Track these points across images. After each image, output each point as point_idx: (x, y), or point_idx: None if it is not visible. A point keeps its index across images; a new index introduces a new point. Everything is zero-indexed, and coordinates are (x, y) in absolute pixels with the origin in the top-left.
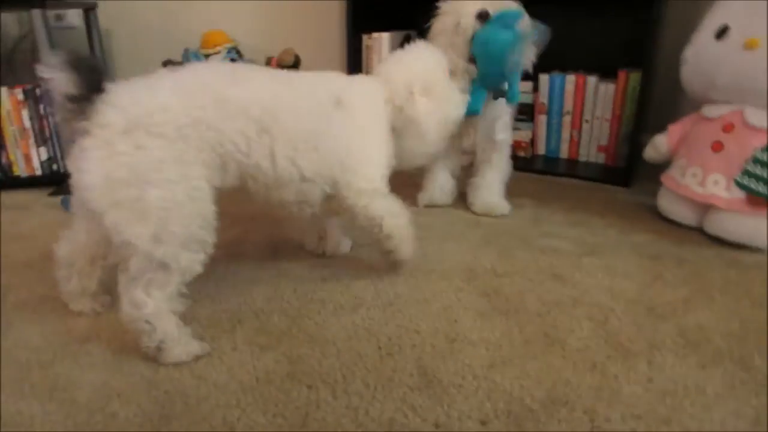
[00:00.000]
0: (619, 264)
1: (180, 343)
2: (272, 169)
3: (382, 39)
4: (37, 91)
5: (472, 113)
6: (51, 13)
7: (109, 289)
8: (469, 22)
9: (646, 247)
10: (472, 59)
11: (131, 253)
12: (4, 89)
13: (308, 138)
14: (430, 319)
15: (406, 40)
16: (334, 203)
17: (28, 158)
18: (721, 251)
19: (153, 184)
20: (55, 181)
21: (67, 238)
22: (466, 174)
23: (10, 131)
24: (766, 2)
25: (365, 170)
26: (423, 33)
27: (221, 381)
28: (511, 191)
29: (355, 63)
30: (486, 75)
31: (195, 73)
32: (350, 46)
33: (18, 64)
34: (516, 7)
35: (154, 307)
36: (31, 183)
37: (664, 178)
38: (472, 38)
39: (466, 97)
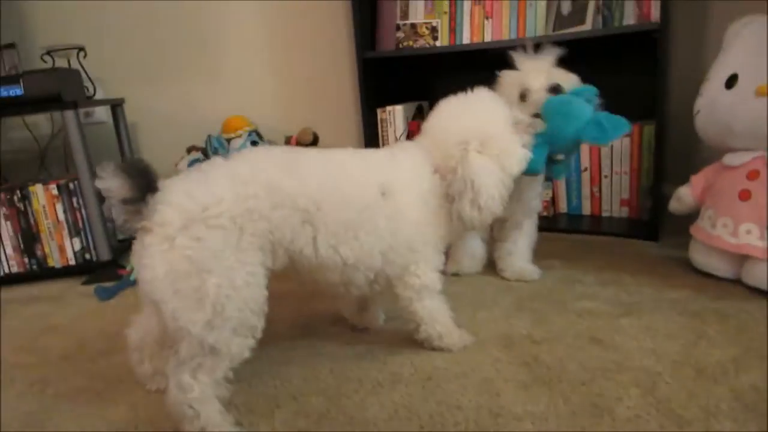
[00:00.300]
0: (660, 323)
1: (223, 430)
2: (315, 256)
3: (396, 112)
4: (71, 185)
5: (532, 172)
6: (81, 110)
7: None
8: (541, 96)
9: (685, 303)
10: (537, 114)
11: (184, 338)
12: (39, 186)
13: (350, 227)
14: (471, 394)
15: (419, 110)
16: (382, 286)
17: (62, 249)
18: (762, 304)
19: (212, 272)
20: (88, 269)
21: (138, 324)
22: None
23: (45, 225)
24: None
25: (412, 265)
26: (432, 104)
27: None
28: (538, 252)
29: (371, 136)
30: (557, 136)
31: (249, 161)
32: (366, 121)
33: (51, 160)
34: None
35: (199, 392)
36: (65, 273)
37: (694, 230)
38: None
39: (528, 153)
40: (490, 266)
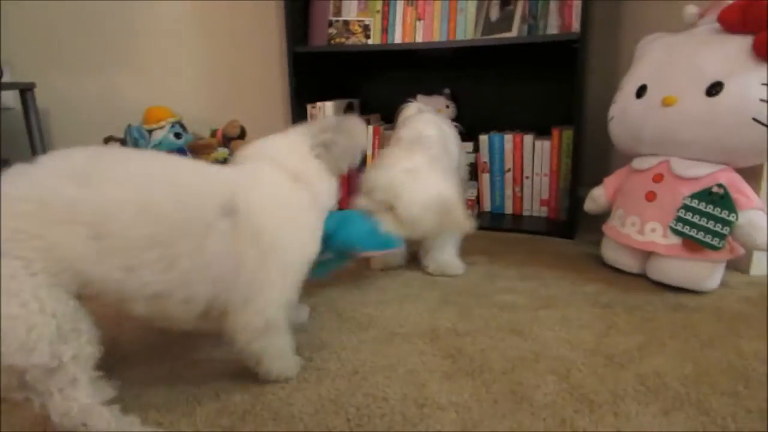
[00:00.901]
0: (574, 315)
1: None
2: (109, 281)
3: (326, 107)
4: None
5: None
6: None
7: None
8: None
9: (597, 296)
10: None
11: (17, 372)
12: None
13: (156, 245)
14: (397, 385)
15: (349, 107)
16: (209, 321)
17: None
18: (664, 296)
19: None
20: None
21: None
22: None
23: None
24: (675, 62)
25: (255, 300)
26: (364, 102)
27: None
28: (463, 249)
29: None
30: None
31: (30, 174)
32: (295, 116)
33: None
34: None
35: (79, 406)
36: None
37: (606, 228)
38: None
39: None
40: (416, 262)
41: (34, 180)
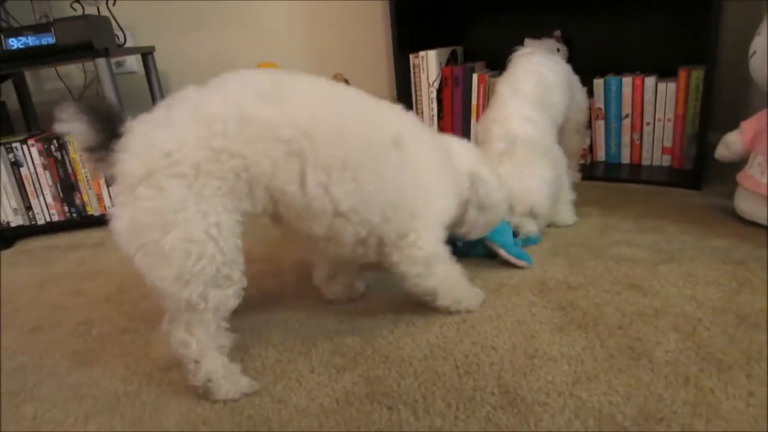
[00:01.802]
0: (701, 271)
1: (228, 380)
2: (301, 196)
3: (429, 57)
4: None
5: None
6: (112, 60)
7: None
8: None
9: (728, 251)
10: None
11: (161, 295)
12: None
13: (348, 165)
14: (505, 335)
15: (452, 56)
16: (380, 256)
17: (100, 198)
18: None
19: (176, 224)
20: None
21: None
22: None
23: (83, 174)
24: None
25: (417, 231)
26: (468, 49)
27: (302, 404)
28: (575, 200)
29: (403, 82)
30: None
31: (219, 91)
32: (398, 66)
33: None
34: None
35: (197, 346)
36: (103, 221)
37: (741, 177)
38: None
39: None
40: None
41: (228, 99)
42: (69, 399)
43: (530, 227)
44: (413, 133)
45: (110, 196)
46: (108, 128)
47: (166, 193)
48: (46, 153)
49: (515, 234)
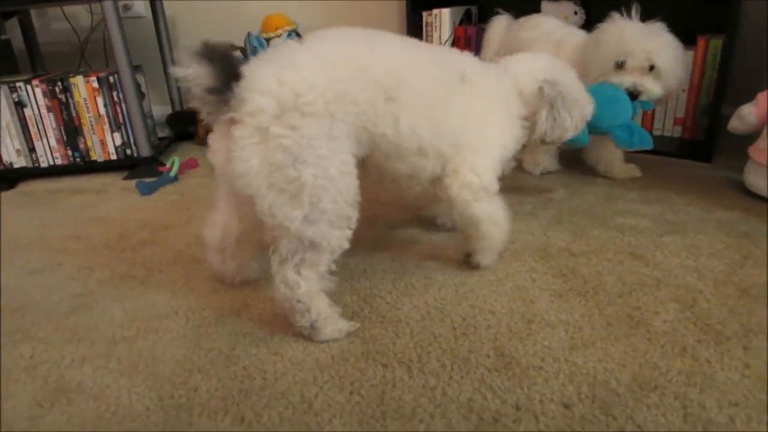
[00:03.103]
0: (705, 243)
1: (332, 321)
2: (396, 137)
3: (442, 15)
4: (111, 78)
5: (578, 142)
6: (119, 3)
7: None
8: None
9: (733, 224)
10: None
11: (283, 235)
12: (80, 78)
13: (429, 106)
14: (504, 300)
15: (467, 15)
16: (438, 189)
17: (103, 144)
18: None
19: (308, 162)
20: (130, 165)
21: (215, 223)
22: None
23: (87, 118)
24: None
25: (477, 159)
26: (483, 8)
27: (297, 358)
28: (581, 168)
29: None
30: (591, 121)
31: (331, 42)
32: (410, 24)
33: (90, 53)
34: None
35: (306, 286)
36: (107, 167)
37: (753, 150)
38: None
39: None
40: (527, 180)
41: (341, 48)
42: (66, 341)
43: (651, 86)
44: (475, 70)
45: (208, 140)
46: (228, 70)
47: (299, 131)
48: (50, 94)
49: (633, 96)
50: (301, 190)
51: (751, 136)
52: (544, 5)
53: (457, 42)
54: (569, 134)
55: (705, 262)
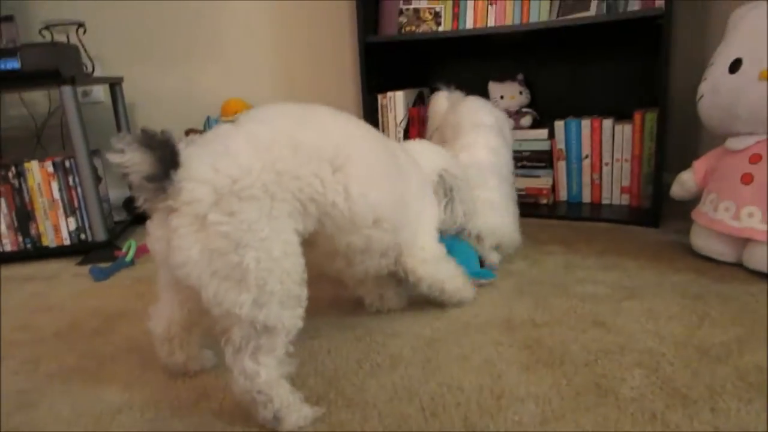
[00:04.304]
0: (662, 306)
1: (295, 408)
2: (348, 207)
3: (396, 97)
4: (66, 162)
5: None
6: (78, 89)
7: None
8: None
9: (687, 286)
10: None
11: (234, 323)
12: (34, 162)
13: (376, 176)
14: (472, 375)
15: (419, 97)
16: (402, 271)
17: (57, 229)
18: (764, 286)
19: (249, 246)
20: (83, 250)
21: (158, 314)
22: None
23: (40, 203)
24: None
25: (425, 238)
26: (435, 90)
27: None
28: (538, 238)
29: (371, 122)
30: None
31: (264, 121)
32: (366, 105)
33: (47, 138)
34: None
35: (266, 375)
36: (60, 253)
37: (696, 214)
38: None
39: None
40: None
41: (275, 128)
42: None
43: (494, 258)
44: (400, 149)
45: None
46: (167, 158)
47: (238, 216)
48: (2, 180)
49: (481, 264)
50: (246, 274)
51: (693, 201)
52: (491, 86)
53: (411, 122)
54: (457, 224)
55: (664, 324)
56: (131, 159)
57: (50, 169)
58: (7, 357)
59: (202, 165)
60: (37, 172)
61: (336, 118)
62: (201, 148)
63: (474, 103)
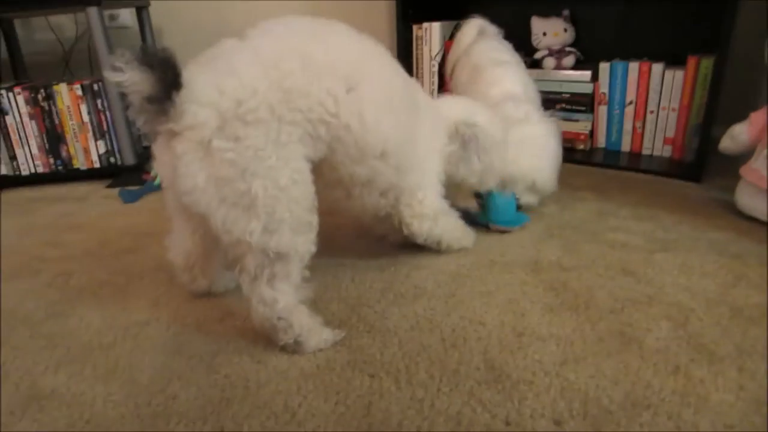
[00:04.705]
0: (696, 262)
1: (316, 332)
2: (361, 131)
3: (433, 29)
4: (95, 86)
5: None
6: (105, 13)
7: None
8: None
9: (725, 245)
10: None
11: (246, 251)
12: (63, 85)
13: (391, 103)
14: (495, 312)
15: (457, 29)
16: (398, 223)
17: (86, 151)
18: None
19: (256, 174)
20: (113, 173)
21: (175, 245)
22: None
23: (70, 126)
24: None
25: (426, 191)
26: None
27: (281, 367)
28: (572, 184)
29: (404, 55)
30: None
31: (272, 36)
32: (401, 37)
33: (75, 64)
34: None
35: (284, 301)
36: (89, 175)
37: (745, 170)
38: None
39: None
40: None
41: (283, 41)
42: (41, 347)
43: (530, 199)
44: (424, 96)
45: (151, 152)
46: (168, 78)
47: (245, 142)
48: (32, 102)
49: (518, 207)
50: (254, 201)
51: (742, 157)
52: (533, 21)
53: (445, 57)
54: (475, 178)
55: (697, 281)
56: (130, 78)
57: (79, 92)
58: (39, 270)
59: (206, 86)
60: (66, 94)
61: (351, 34)
62: (204, 66)
63: (491, 42)
